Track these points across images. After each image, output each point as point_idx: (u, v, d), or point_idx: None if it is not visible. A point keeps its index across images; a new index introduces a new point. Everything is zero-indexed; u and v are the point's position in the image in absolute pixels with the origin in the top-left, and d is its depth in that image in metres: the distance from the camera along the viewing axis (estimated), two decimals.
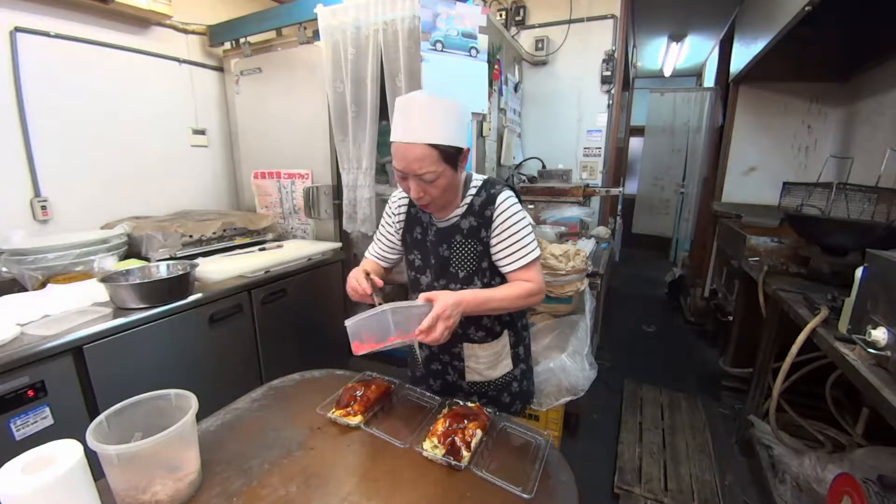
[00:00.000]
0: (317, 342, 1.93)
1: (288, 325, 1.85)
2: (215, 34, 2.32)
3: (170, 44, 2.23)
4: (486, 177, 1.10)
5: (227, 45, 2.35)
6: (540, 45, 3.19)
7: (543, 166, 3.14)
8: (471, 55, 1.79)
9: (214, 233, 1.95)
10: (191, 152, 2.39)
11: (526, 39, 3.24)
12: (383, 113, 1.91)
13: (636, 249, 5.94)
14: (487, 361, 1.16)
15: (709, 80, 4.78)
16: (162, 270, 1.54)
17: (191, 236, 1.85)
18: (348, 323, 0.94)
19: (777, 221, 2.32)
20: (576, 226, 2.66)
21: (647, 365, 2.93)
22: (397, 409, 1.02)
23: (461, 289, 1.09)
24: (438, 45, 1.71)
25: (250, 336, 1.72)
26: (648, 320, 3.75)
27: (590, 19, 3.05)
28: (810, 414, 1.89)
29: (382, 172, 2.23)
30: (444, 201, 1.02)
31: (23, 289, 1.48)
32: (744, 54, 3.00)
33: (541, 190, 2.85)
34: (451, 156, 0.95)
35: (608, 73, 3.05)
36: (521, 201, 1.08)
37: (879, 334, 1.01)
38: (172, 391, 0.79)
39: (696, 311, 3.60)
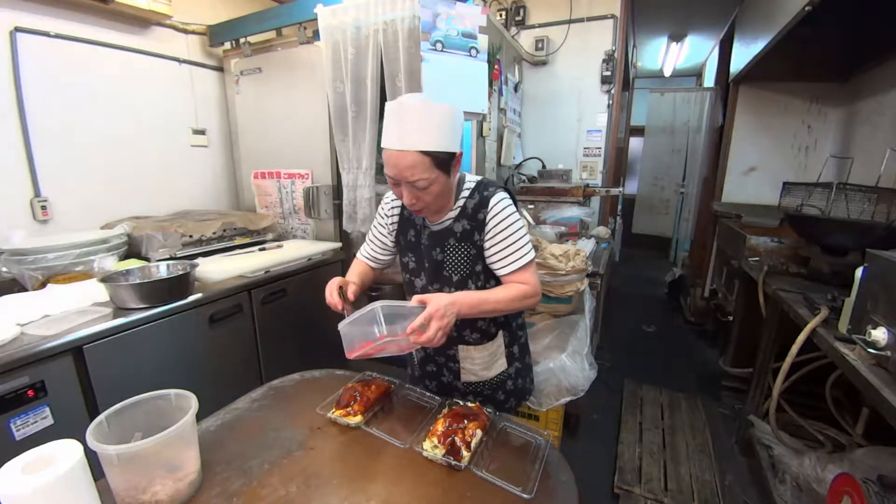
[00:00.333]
0: (317, 342, 1.93)
1: (288, 325, 1.85)
2: (215, 34, 2.32)
3: (170, 44, 2.23)
4: (479, 178, 1.09)
5: (227, 45, 2.35)
6: (540, 45, 3.19)
7: (543, 166, 3.14)
8: (471, 55, 1.79)
9: (214, 233, 1.95)
10: (191, 152, 2.39)
11: (526, 39, 3.25)
12: (383, 113, 1.90)
13: (636, 249, 5.94)
14: (483, 362, 1.16)
15: (709, 80, 4.78)
16: (162, 270, 1.54)
17: (191, 236, 1.85)
18: (342, 326, 0.93)
19: (777, 221, 2.32)
20: (576, 226, 2.66)
21: (647, 365, 2.93)
22: (397, 409, 1.02)
23: (455, 292, 1.09)
24: (438, 45, 1.71)
25: (250, 336, 1.72)
26: (648, 320, 3.75)
27: (590, 19, 3.05)
28: (810, 414, 1.89)
29: (382, 172, 2.23)
30: (437, 206, 1.01)
31: (23, 289, 1.48)
32: (744, 54, 3.00)
33: (541, 190, 2.85)
34: (444, 161, 0.93)
35: (608, 73, 3.05)
36: (515, 202, 1.07)
37: (879, 334, 1.01)
38: (172, 391, 0.79)
39: (696, 311, 3.60)
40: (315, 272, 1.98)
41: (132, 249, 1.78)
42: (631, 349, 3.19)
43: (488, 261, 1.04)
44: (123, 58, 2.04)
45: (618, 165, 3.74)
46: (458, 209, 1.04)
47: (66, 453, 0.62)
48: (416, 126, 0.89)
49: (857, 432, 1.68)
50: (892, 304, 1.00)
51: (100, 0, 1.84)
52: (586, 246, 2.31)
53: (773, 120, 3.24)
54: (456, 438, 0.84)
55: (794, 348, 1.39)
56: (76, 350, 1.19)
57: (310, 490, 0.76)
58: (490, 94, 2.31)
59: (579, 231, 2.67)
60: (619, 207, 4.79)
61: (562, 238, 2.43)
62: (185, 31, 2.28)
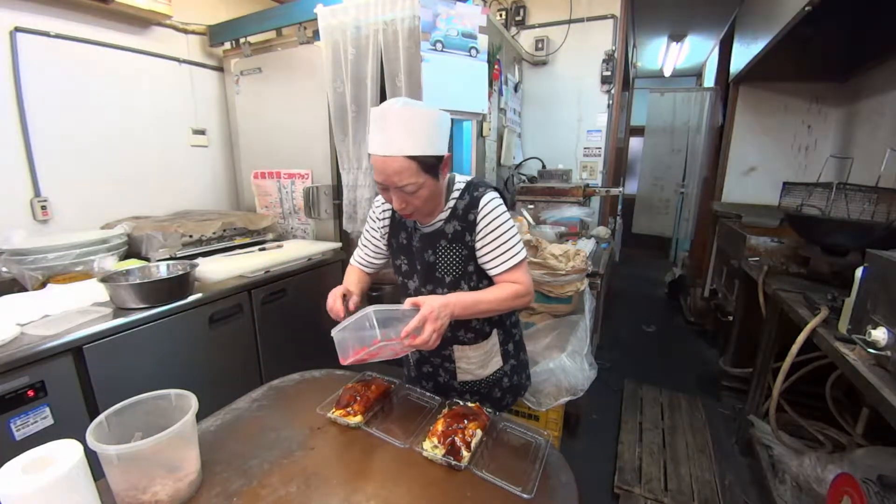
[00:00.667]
0: (317, 342, 1.92)
1: (288, 325, 1.85)
2: (215, 34, 2.32)
3: (170, 44, 2.23)
4: (469, 178, 1.08)
5: (227, 45, 2.35)
6: (540, 45, 3.19)
7: (543, 166, 3.14)
8: (471, 55, 1.79)
9: (214, 233, 1.95)
10: (191, 152, 2.39)
11: (526, 39, 3.25)
12: None
13: (636, 249, 5.94)
14: (478, 361, 1.16)
15: (709, 80, 4.78)
16: (162, 270, 1.54)
17: (191, 236, 1.85)
18: (335, 332, 0.91)
19: (777, 221, 2.32)
20: (576, 226, 2.66)
21: (647, 365, 2.93)
22: (397, 409, 1.02)
23: (448, 293, 1.08)
24: (438, 45, 1.71)
25: (250, 336, 1.72)
26: (648, 320, 3.75)
27: (590, 19, 3.06)
28: (810, 414, 1.89)
29: None
30: (427, 209, 1.01)
31: (23, 289, 1.48)
32: (744, 54, 3.00)
33: (541, 190, 2.85)
34: (432, 165, 0.93)
35: (608, 73, 3.06)
36: (506, 201, 1.06)
37: (879, 334, 1.01)
38: (172, 391, 0.79)
39: (696, 311, 3.60)
40: (315, 272, 1.98)
41: (132, 249, 1.78)
42: (631, 349, 3.19)
43: (480, 261, 1.04)
44: (123, 58, 2.04)
45: (618, 165, 3.74)
46: (449, 210, 1.04)
47: (66, 453, 0.62)
48: (401, 131, 0.89)
49: (857, 432, 1.68)
50: (892, 304, 1.01)
51: (100, 0, 1.84)
52: (586, 246, 2.31)
53: (773, 120, 3.24)
54: (456, 438, 0.84)
55: (794, 348, 1.39)
56: (76, 350, 1.19)
57: (310, 490, 0.76)
58: (490, 94, 2.31)
59: (579, 231, 2.67)
60: (619, 207, 4.79)
61: (562, 238, 2.43)
62: (185, 31, 2.28)
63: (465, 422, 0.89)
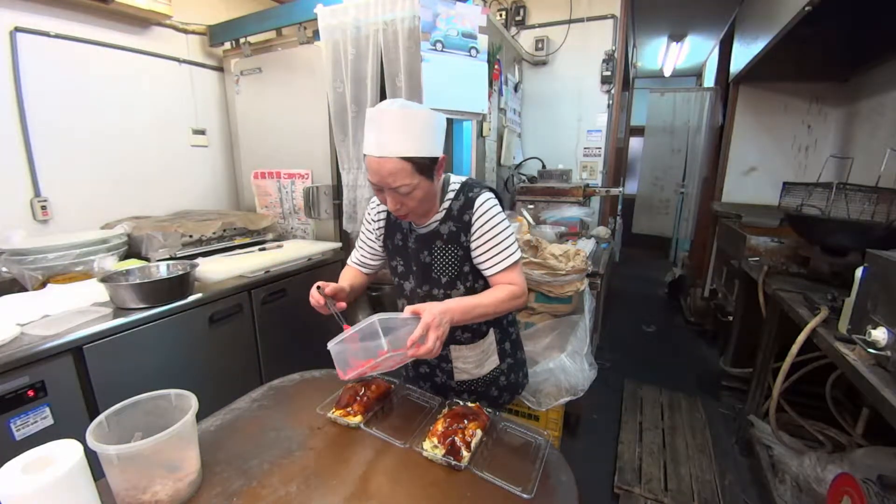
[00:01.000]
0: (317, 342, 1.92)
1: (288, 325, 1.85)
2: (215, 34, 2.32)
3: (170, 44, 2.23)
4: (464, 178, 1.08)
5: (227, 45, 2.35)
6: (540, 45, 3.19)
7: (543, 166, 3.14)
8: (471, 55, 1.79)
9: (214, 233, 1.95)
10: (191, 152, 2.39)
11: (526, 39, 3.25)
12: None
13: (636, 249, 5.94)
14: (475, 360, 1.16)
15: (709, 80, 4.78)
16: (162, 270, 1.54)
17: (191, 236, 1.85)
18: (332, 345, 0.87)
19: (777, 221, 2.32)
20: (576, 226, 2.66)
21: (647, 365, 2.93)
22: (397, 409, 1.02)
23: (445, 293, 1.09)
24: (438, 45, 1.71)
25: (250, 336, 1.72)
26: (648, 320, 3.75)
27: (590, 19, 3.06)
28: (810, 414, 1.89)
29: None
30: (422, 211, 1.01)
31: (23, 289, 1.48)
32: (744, 54, 3.00)
33: (541, 190, 2.85)
34: (427, 167, 0.92)
35: (608, 73, 3.06)
36: (501, 201, 1.06)
37: (879, 334, 1.01)
38: (172, 391, 0.79)
39: (696, 311, 3.60)
40: (315, 272, 1.98)
41: (132, 249, 1.78)
42: (631, 349, 3.19)
43: (475, 261, 1.04)
44: (123, 58, 2.04)
45: (618, 165, 3.74)
46: (444, 211, 1.04)
47: (66, 453, 0.62)
48: (395, 132, 0.89)
49: (857, 432, 1.68)
50: (892, 304, 1.01)
51: (100, 0, 1.84)
52: (586, 246, 2.31)
53: (773, 120, 3.24)
54: (456, 438, 0.84)
55: (794, 348, 1.39)
56: (76, 350, 1.19)
57: (310, 490, 0.76)
58: (490, 94, 2.31)
59: (579, 231, 2.67)
60: (619, 207, 4.79)
61: (562, 238, 2.43)
62: (185, 31, 2.28)
63: (465, 422, 0.89)
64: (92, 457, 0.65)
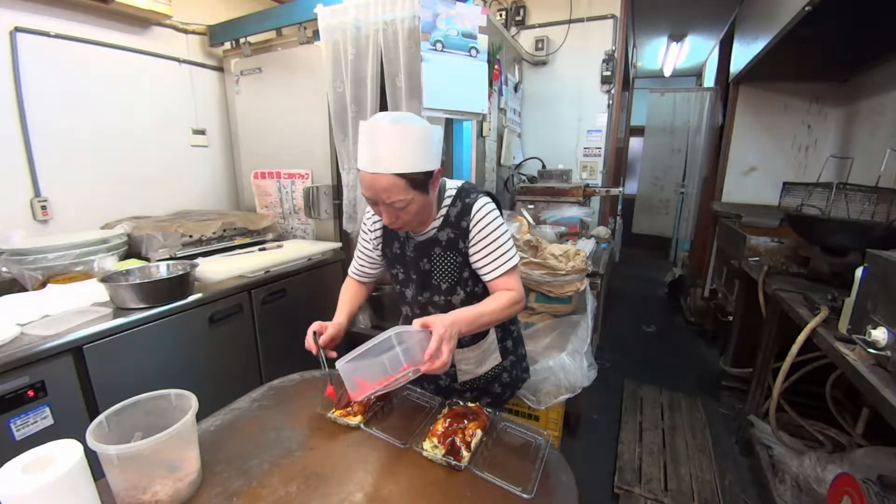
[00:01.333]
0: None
1: (288, 325, 1.85)
2: (215, 34, 2.32)
3: (170, 44, 2.23)
4: (461, 183, 1.07)
5: (227, 45, 2.35)
6: (540, 45, 3.19)
7: (543, 166, 3.14)
8: (471, 55, 1.79)
9: (214, 233, 1.95)
10: (191, 152, 2.39)
11: (526, 39, 3.25)
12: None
13: (636, 249, 5.94)
14: (476, 360, 1.17)
15: (709, 80, 4.78)
16: (162, 270, 1.54)
17: (191, 236, 1.85)
18: (341, 364, 0.85)
19: (777, 221, 2.32)
20: (576, 226, 2.66)
21: (647, 365, 2.93)
22: (397, 409, 1.02)
23: (446, 300, 1.09)
24: (438, 45, 1.71)
25: (250, 336, 1.72)
26: (648, 320, 3.75)
27: (590, 19, 3.06)
28: (810, 414, 1.89)
29: None
30: (418, 222, 1.00)
31: (23, 289, 1.48)
32: (744, 54, 3.00)
33: (541, 190, 2.85)
34: (421, 181, 0.91)
35: (608, 73, 3.06)
36: (499, 205, 1.05)
37: (879, 334, 1.01)
38: (172, 391, 0.79)
39: (696, 311, 3.60)
40: (315, 272, 1.98)
41: (132, 249, 1.78)
42: (631, 349, 3.19)
43: (474, 266, 1.04)
44: (123, 58, 2.04)
45: (618, 165, 3.74)
46: (441, 218, 1.03)
47: (66, 453, 0.62)
48: (388, 149, 0.87)
49: (857, 432, 1.68)
50: (892, 304, 1.01)
51: (100, 0, 1.84)
52: (586, 246, 2.31)
53: (773, 120, 3.24)
54: (456, 438, 0.84)
55: (794, 348, 1.39)
56: (76, 350, 1.19)
57: (310, 490, 0.76)
58: (490, 94, 2.31)
59: (579, 231, 2.67)
60: (619, 207, 4.79)
61: (562, 238, 2.43)
62: (185, 31, 2.28)
63: (465, 422, 0.89)
64: (92, 457, 0.65)
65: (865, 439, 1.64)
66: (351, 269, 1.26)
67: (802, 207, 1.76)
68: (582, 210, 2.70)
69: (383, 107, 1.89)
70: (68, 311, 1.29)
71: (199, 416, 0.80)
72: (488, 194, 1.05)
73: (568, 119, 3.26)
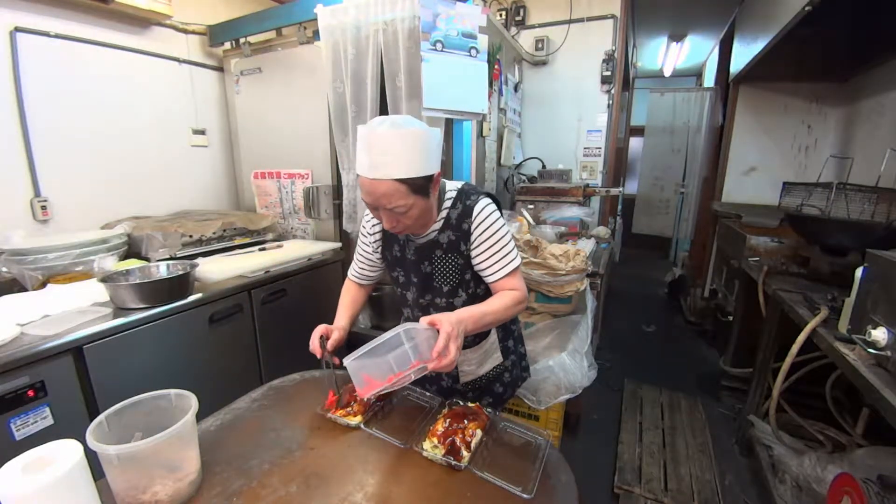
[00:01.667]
0: None
1: (288, 325, 1.85)
2: (215, 34, 2.31)
3: (170, 44, 2.23)
4: (461, 184, 1.06)
5: (227, 45, 2.35)
6: (540, 45, 3.19)
7: (543, 166, 3.14)
8: (471, 55, 1.79)
9: (214, 233, 1.95)
10: (191, 152, 2.39)
11: (526, 39, 3.25)
12: (383, 113, 1.91)
13: (636, 249, 5.94)
14: (477, 360, 1.17)
15: (709, 80, 4.78)
16: (162, 270, 1.54)
17: (191, 236, 1.85)
18: (349, 361, 0.85)
19: (777, 221, 2.32)
20: (576, 226, 2.66)
21: (647, 365, 2.93)
22: (397, 409, 1.02)
23: (447, 302, 1.09)
24: (438, 45, 1.71)
25: (250, 336, 1.72)
26: (648, 320, 3.75)
27: (590, 19, 3.06)
28: (810, 414, 1.89)
29: None
30: (418, 226, 0.99)
31: (23, 289, 1.48)
32: (744, 54, 3.00)
33: (541, 190, 2.85)
34: (421, 186, 0.90)
35: (608, 73, 3.06)
36: (499, 206, 1.05)
37: (879, 334, 1.01)
38: (172, 391, 0.79)
39: (696, 311, 3.60)
40: (315, 272, 1.98)
41: (132, 249, 1.78)
42: (631, 349, 3.19)
43: (476, 268, 1.04)
44: (123, 58, 2.04)
45: (618, 165, 3.74)
46: (442, 220, 1.02)
47: (66, 453, 0.62)
48: (387, 154, 0.86)
49: (857, 432, 1.68)
50: (892, 304, 1.01)
51: (100, 0, 1.84)
52: (586, 246, 2.31)
53: (773, 120, 3.24)
54: (456, 438, 0.84)
55: (794, 348, 1.39)
56: (76, 350, 1.18)
57: (310, 490, 0.76)
58: (490, 94, 2.31)
59: (579, 231, 2.67)
60: (619, 207, 4.79)
61: (562, 238, 2.43)
62: (185, 31, 2.28)
63: (465, 422, 0.89)
64: (92, 457, 0.65)
65: (865, 439, 1.64)
66: (351, 272, 1.25)
67: (802, 207, 1.76)
68: (582, 210, 2.70)
69: (383, 107, 1.89)
70: (68, 311, 1.29)
71: (199, 416, 0.80)
72: (489, 195, 1.05)
73: (568, 119, 3.26)
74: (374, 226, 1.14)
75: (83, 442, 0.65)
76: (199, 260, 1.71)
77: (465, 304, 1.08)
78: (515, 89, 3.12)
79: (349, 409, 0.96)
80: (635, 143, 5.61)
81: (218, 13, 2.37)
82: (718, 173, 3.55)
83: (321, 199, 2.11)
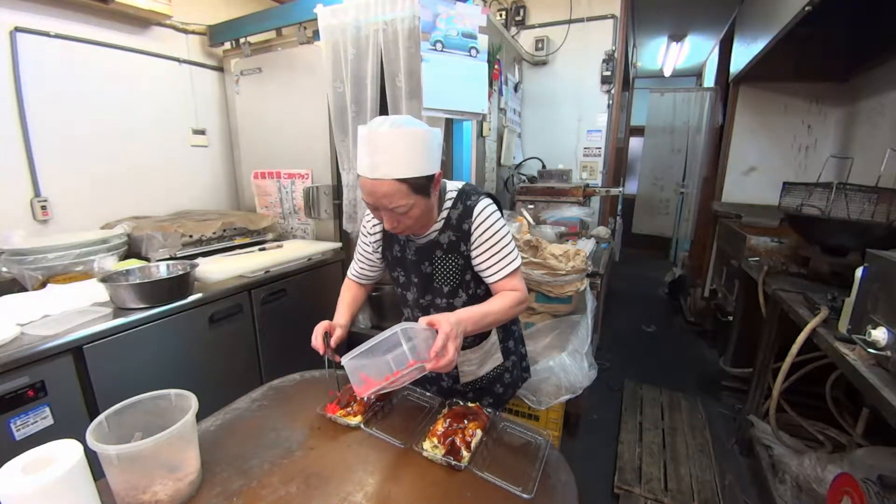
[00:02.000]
0: None
1: (288, 325, 1.85)
2: (215, 34, 2.32)
3: (170, 44, 2.23)
4: (461, 185, 1.06)
5: (227, 45, 2.35)
6: (540, 45, 3.19)
7: (543, 166, 3.14)
8: (471, 55, 1.79)
9: (214, 233, 1.95)
10: (191, 152, 2.39)
11: (526, 39, 3.25)
12: (383, 113, 1.91)
13: (636, 249, 5.94)
14: (478, 361, 1.17)
15: (709, 80, 4.78)
16: (162, 270, 1.54)
17: (191, 236, 1.85)
18: (346, 360, 0.85)
19: (777, 221, 2.32)
20: (576, 226, 2.66)
21: (647, 365, 2.93)
22: (397, 409, 1.02)
23: (447, 303, 1.09)
24: (438, 45, 1.71)
25: (250, 336, 1.72)
26: (648, 320, 3.75)
27: (590, 19, 3.06)
28: (810, 414, 1.89)
29: None
30: (419, 226, 0.99)
31: (23, 289, 1.48)
32: (744, 54, 3.00)
33: (541, 190, 2.85)
34: (422, 186, 0.90)
35: (608, 73, 3.06)
36: (500, 206, 1.05)
37: (879, 334, 1.01)
38: (172, 391, 0.79)
39: (696, 311, 3.60)
40: (315, 272, 1.98)
41: (132, 249, 1.78)
42: (631, 349, 3.19)
43: (476, 269, 1.04)
44: (123, 58, 2.04)
45: (618, 165, 3.74)
46: (443, 221, 1.02)
47: (66, 453, 0.62)
48: (388, 154, 0.86)
49: (857, 432, 1.68)
50: (892, 304, 1.01)
51: (100, 0, 1.84)
52: (586, 246, 2.31)
53: (773, 120, 3.24)
54: (456, 439, 0.84)
55: (794, 348, 1.39)
56: (76, 350, 1.19)
57: (310, 490, 0.76)
58: (490, 94, 2.31)
59: (579, 231, 2.67)
60: (619, 207, 4.79)
61: (562, 238, 2.42)
62: (185, 31, 2.28)
63: (465, 422, 0.89)
64: (92, 457, 0.65)
65: (865, 439, 1.64)
66: (350, 272, 1.25)
67: (802, 207, 1.76)
68: (582, 210, 2.70)
69: (383, 107, 1.89)
70: (68, 311, 1.29)
71: (199, 416, 0.80)
72: (489, 196, 1.05)
73: (568, 119, 3.26)
74: (374, 226, 1.14)
75: (83, 442, 0.65)
76: (199, 260, 1.71)
77: (465, 304, 1.08)
78: (515, 89, 3.12)
79: (349, 409, 0.96)
80: (635, 143, 5.61)
81: (218, 13, 2.37)
82: (718, 173, 3.55)
83: (321, 199, 2.11)
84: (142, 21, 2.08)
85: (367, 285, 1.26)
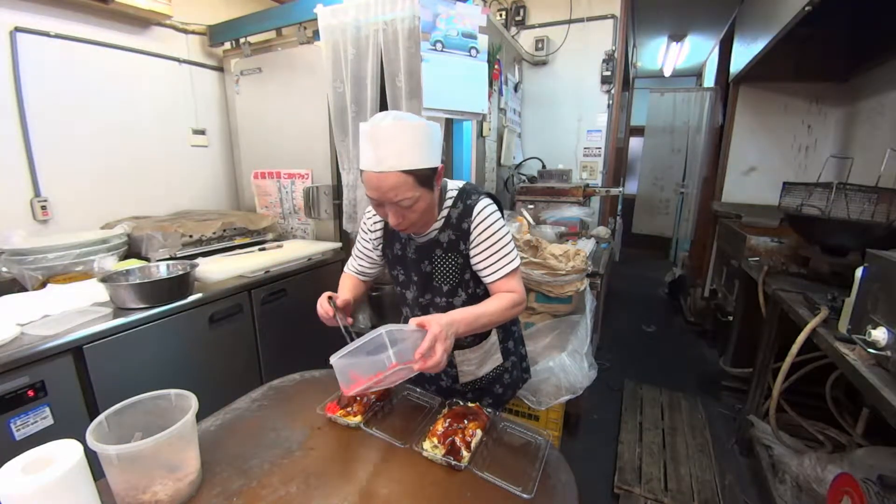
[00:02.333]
0: (317, 342, 1.92)
1: (288, 325, 1.85)
2: (215, 34, 2.32)
3: (170, 44, 2.23)
4: (462, 184, 1.06)
5: (227, 45, 2.35)
6: (540, 45, 3.19)
7: (543, 166, 3.14)
8: (471, 55, 1.79)
9: (214, 233, 1.95)
10: (191, 152, 2.39)
11: (526, 39, 3.25)
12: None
13: (636, 249, 5.94)
14: (478, 361, 1.17)
15: (709, 80, 4.78)
16: (162, 270, 1.54)
17: (191, 236, 1.85)
18: (335, 359, 0.84)
19: (777, 221, 2.32)
20: (576, 226, 2.66)
21: (647, 365, 2.93)
22: (397, 409, 1.02)
23: (447, 301, 1.09)
24: (438, 45, 1.71)
25: (250, 336, 1.72)
26: (648, 320, 3.75)
27: (590, 19, 3.06)
28: (810, 414, 1.89)
29: None
30: (423, 222, 0.99)
31: (23, 289, 1.48)
32: (744, 54, 3.00)
33: (541, 190, 2.85)
34: (427, 178, 0.91)
35: (608, 73, 3.06)
36: (500, 206, 1.05)
37: (879, 334, 1.01)
38: (172, 391, 0.79)
39: (696, 311, 3.60)
40: (315, 272, 1.98)
41: (132, 249, 1.78)
42: (631, 349, 3.19)
43: (475, 268, 1.04)
44: (123, 58, 2.04)
45: (618, 165, 3.74)
46: (443, 219, 1.03)
47: (66, 453, 0.62)
48: (393, 147, 0.87)
49: (857, 432, 1.68)
50: (892, 304, 1.01)
51: (100, 0, 1.84)
52: (586, 246, 2.31)
53: (773, 120, 3.24)
54: (456, 439, 0.84)
55: (794, 348, 1.39)
56: (76, 350, 1.19)
57: (310, 490, 0.76)
58: (490, 94, 2.31)
59: (579, 231, 2.67)
60: (619, 207, 4.79)
61: (562, 238, 2.42)
62: (185, 31, 2.28)
63: (465, 422, 0.89)
64: (92, 457, 0.65)
65: (865, 439, 1.64)
66: (348, 267, 1.25)
67: (802, 207, 1.76)
68: (582, 210, 2.70)
69: (383, 107, 1.89)
70: (68, 311, 1.29)
71: (199, 416, 0.80)
72: (490, 195, 1.05)
73: (568, 119, 3.26)
74: (375, 223, 1.14)
75: (83, 442, 0.65)
76: (199, 260, 1.71)
77: (464, 303, 1.08)
78: (515, 89, 3.12)
79: (349, 409, 0.96)
80: (635, 143, 5.61)
81: (218, 13, 2.37)
82: (718, 173, 3.55)
83: (321, 199, 2.11)
84: (142, 21, 2.08)
85: (365, 281, 1.26)
